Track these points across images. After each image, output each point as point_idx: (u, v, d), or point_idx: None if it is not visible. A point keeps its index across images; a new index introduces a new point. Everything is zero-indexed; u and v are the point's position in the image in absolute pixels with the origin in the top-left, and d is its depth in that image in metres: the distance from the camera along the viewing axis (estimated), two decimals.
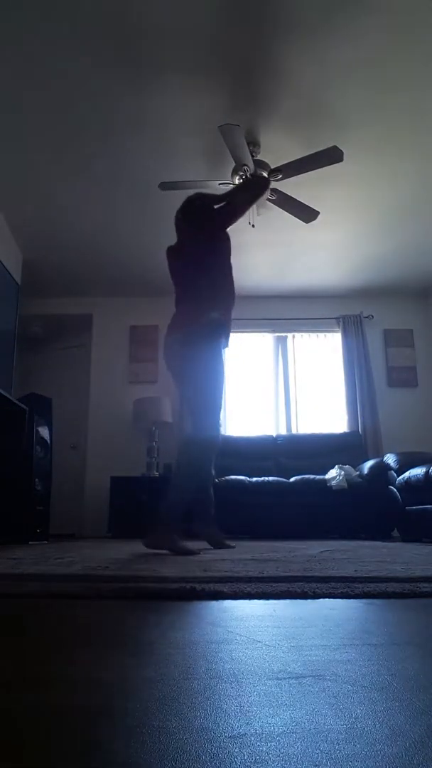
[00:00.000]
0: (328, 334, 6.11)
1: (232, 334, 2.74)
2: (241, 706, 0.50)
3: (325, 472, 4.71)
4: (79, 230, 4.77)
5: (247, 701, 0.52)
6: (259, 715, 0.47)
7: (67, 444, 5.85)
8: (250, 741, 0.42)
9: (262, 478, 4.77)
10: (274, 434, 5.71)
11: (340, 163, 3.43)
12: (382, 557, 2.13)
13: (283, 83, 3.17)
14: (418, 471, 4.14)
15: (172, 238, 4.85)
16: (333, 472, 4.65)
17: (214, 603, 1.11)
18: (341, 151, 3.33)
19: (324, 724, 0.45)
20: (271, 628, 0.87)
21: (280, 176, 3.57)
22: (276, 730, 0.44)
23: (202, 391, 2.44)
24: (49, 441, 4.46)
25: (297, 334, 6.12)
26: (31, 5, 2.64)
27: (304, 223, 4.15)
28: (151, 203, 4.33)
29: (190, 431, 2.62)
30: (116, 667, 0.66)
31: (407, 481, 4.27)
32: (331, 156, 3.36)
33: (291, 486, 4.67)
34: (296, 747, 0.41)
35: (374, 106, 3.34)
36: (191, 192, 2.94)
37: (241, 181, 2.72)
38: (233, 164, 3.53)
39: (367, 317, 6.01)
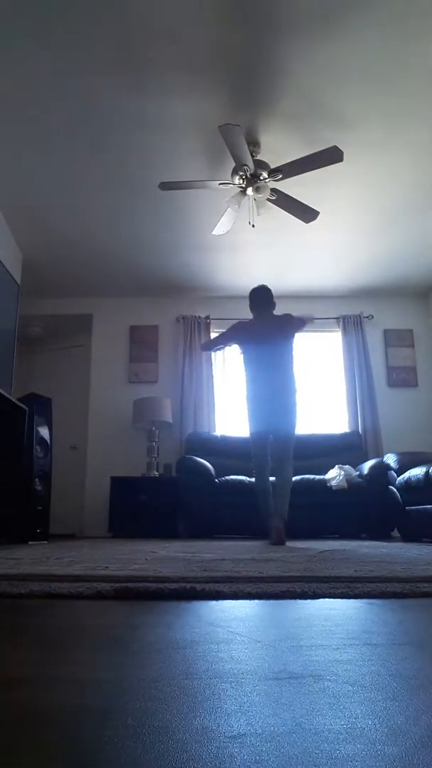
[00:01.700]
0: (328, 334, 6.11)
1: None
2: (241, 706, 0.50)
3: (325, 472, 4.71)
4: (79, 230, 4.77)
5: (247, 701, 0.52)
6: (259, 715, 0.47)
7: (67, 444, 5.85)
8: (250, 741, 0.42)
9: None
10: None
11: (340, 163, 3.43)
12: (382, 557, 2.13)
13: (283, 83, 3.17)
14: (418, 471, 4.13)
15: (170, 237, 4.86)
16: (333, 472, 4.64)
17: (214, 603, 1.11)
18: (341, 151, 3.33)
19: (324, 724, 0.45)
20: (271, 628, 0.87)
21: (280, 176, 3.57)
22: (276, 730, 0.44)
23: (294, 434, 3.68)
24: (49, 441, 4.46)
25: (297, 334, 6.10)
26: (31, 5, 2.64)
27: (304, 223, 4.15)
28: (151, 203, 4.33)
29: (289, 455, 3.69)
30: (116, 667, 0.66)
31: (407, 481, 4.27)
32: (331, 156, 3.36)
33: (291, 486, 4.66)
34: (296, 747, 0.41)
35: (374, 106, 3.34)
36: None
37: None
38: (233, 164, 3.53)
39: (367, 317, 6.01)
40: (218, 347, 4.10)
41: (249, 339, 3.75)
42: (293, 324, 3.76)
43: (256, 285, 3.92)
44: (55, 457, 4.62)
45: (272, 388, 3.59)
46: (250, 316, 4.26)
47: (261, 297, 3.82)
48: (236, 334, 3.81)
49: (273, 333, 3.70)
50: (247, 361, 3.74)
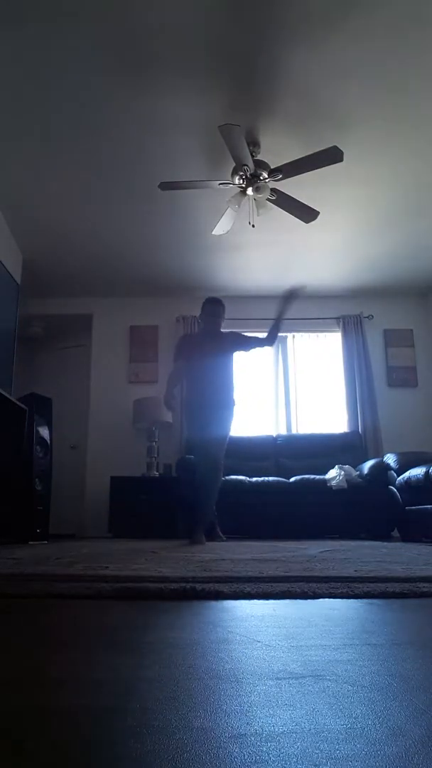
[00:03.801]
0: (328, 334, 6.11)
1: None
2: (241, 706, 0.50)
3: (325, 472, 4.71)
4: (79, 230, 4.77)
5: (247, 701, 0.52)
6: (259, 715, 0.48)
7: (67, 444, 5.84)
8: (250, 741, 0.42)
9: (262, 478, 4.77)
10: (274, 434, 5.71)
11: (340, 163, 3.42)
12: (382, 557, 2.13)
13: (283, 83, 3.17)
14: (418, 471, 4.14)
15: (170, 237, 4.87)
16: (333, 472, 4.64)
17: (214, 603, 1.11)
18: (341, 151, 3.32)
19: (324, 724, 0.45)
20: (271, 628, 0.87)
21: (280, 176, 3.57)
22: (276, 730, 0.44)
23: (225, 441, 3.83)
24: (49, 441, 4.46)
25: (297, 334, 6.11)
26: (32, 6, 2.64)
27: (304, 223, 4.15)
28: (150, 203, 4.33)
29: (218, 460, 3.72)
30: (116, 667, 0.66)
31: (407, 481, 4.27)
32: (331, 156, 3.35)
33: (291, 486, 4.67)
34: (296, 747, 0.41)
35: (374, 106, 3.34)
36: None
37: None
38: (233, 164, 3.53)
39: (367, 317, 6.01)
40: (178, 380, 4.06)
41: (193, 354, 3.93)
42: (243, 343, 3.94)
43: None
44: (55, 457, 4.62)
45: (210, 401, 3.79)
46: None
47: (211, 313, 3.95)
48: (183, 349, 4.00)
49: (215, 352, 3.89)
50: (189, 372, 3.93)
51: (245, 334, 4.02)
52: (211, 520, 3.83)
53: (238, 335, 4.00)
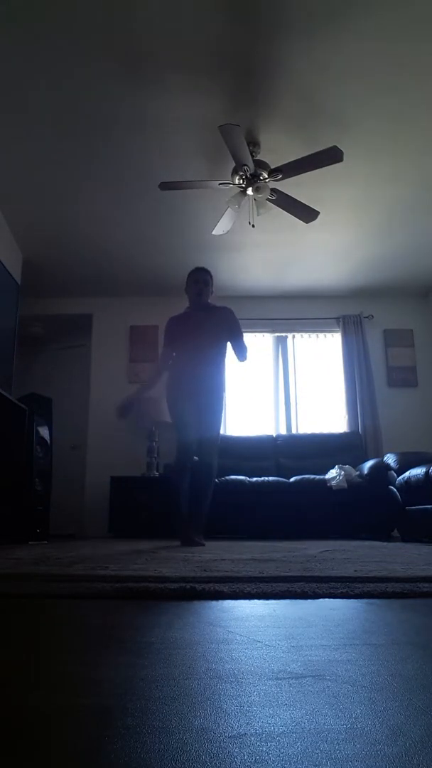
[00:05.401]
0: (328, 334, 6.11)
1: None
2: (241, 706, 0.50)
3: (325, 472, 4.71)
4: (79, 230, 4.77)
5: (247, 701, 0.52)
6: (259, 715, 0.47)
7: (67, 444, 5.84)
8: (250, 741, 0.42)
9: (262, 478, 4.77)
10: (274, 434, 5.71)
11: (340, 163, 3.42)
12: (382, 557, 2.13)
13: (283, 83, 3.17)
14: (418, 471, 4.14)
15: (170, 237, 4.87)
16: (333, 472, 4.65)
17: (214, 603, 1.11)
18: (341, 151, 3.32)
19: (324, 724, 0.45)
20: (271, 628, 0.87)
21: (280, 176, 3.57)
22: (276, 730, 0.44)
23: (218, 439, 3.50)
24: (49, 441, 4.46)
25: (297, 334, 6.12)
26: (31, 6, 2.64)
27: (304, 223, 4.15)
28: (151, 203, 4.33)
29: (212, 461, 3.43)
30: (116, 667, 0.66)
31: (407, 481, 4.27)
32: (331, 156, 3.35)
33: (291, 486, 4.67)
34: (296, 747, 0.41)
35: (374, 106, 3.34)
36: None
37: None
38: (233, 164, 3.53)
39: (367, 317, 6.01)
40: (161, 372, 3.72)
41: (183, 333, 3.58)
42: (233, 329, 3.55)
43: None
44: (55, 457, 4.62)
45: (200, 383, 3.44)
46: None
47: (197, 279, 3.62)
48: (173, 330, 3.65)
49: (206, 331, 3.52)
50: (177, 353, 3.59)
51: (238, 323, 3.59)
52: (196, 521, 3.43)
53: (232, 319, 3.58)
